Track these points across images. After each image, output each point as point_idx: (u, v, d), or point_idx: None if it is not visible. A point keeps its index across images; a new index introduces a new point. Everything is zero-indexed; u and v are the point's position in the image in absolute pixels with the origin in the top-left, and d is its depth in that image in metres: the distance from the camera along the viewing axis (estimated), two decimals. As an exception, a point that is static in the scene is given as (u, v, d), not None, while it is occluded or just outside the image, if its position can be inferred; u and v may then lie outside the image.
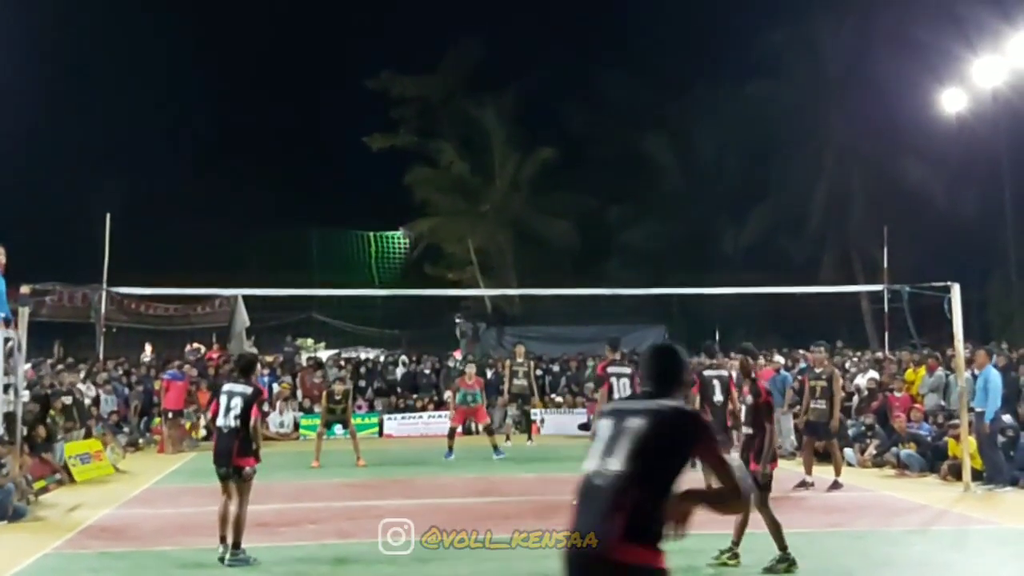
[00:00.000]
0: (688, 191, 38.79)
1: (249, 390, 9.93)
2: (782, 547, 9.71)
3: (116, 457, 18.85)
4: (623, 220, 38.86)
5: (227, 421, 9.81)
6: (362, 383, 27.18)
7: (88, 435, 18.86)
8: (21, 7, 30.87)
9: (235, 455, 9.75)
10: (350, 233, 46.55)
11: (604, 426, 4.56)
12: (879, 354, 25.00)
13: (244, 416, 9.76)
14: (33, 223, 33.99)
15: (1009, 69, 27.04)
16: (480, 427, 21.51)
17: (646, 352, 5.04)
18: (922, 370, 19.84)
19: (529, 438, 22.17)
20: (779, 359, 21.84)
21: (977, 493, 14.27)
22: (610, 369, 13.76)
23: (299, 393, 26.26)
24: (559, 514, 11.90)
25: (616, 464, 4.26)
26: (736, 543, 9.88)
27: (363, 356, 32.17)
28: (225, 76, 44.34)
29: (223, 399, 9.95)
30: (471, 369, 21.42)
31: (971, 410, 14.98)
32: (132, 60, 41.98)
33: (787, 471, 18.06)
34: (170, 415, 22.03)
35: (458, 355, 30.91)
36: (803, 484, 14.62)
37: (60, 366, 23.34)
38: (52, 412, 17.52)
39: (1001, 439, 15.10)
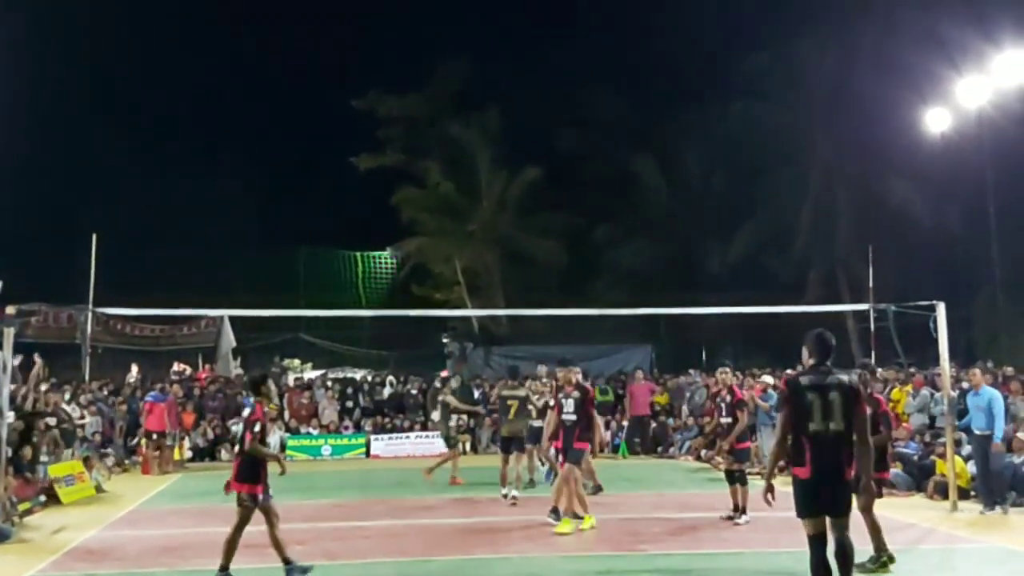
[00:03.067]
0: (675, 210, 38.86)
1: (247, 413, 10.07)
2: (880, 547, 10.47)
3: (102, 478, 18.79)
4: (610, 239, 38.88)
5: (238, 447, 10.14)
6: (349, 403, 27.21)
7: (72, 456, 18.79)
8: (3, 26, 30.84)
9: (233, 479, 10.00)
10: (337, 253, 46.49)
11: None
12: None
13: (241, 440, 9.87)
14: (19, 243, 33.89)
15: (993, 89, 27.22)
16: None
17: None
18: (908, 388, 19.91)
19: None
20: (767, 379, 21.87)
21: (986, 514, 14.23)
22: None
23: (286, 414, 26.24)
24: (546, 533, 11.90)
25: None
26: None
27: (350, 376, 32.12)
28: (213, 95, 44.41)
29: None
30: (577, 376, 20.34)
31: (966, 431, 15.02)
32: (119, 79, 42.08)
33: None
34: (154, 436, 21.98)
35: (445, 375, 30.86)
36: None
37: (44, 386, 23.24)
38: (35, 433, 17.45)
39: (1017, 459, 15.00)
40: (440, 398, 20.41)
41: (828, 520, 7.90)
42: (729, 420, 14.06)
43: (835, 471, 7.81)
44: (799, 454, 7.87)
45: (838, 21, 34.70)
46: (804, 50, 35.02)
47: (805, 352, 8.33)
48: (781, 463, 8.41)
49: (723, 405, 14.32)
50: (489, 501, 16.31)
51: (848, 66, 34.27)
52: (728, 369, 14.70)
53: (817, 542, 7.89)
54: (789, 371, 23.39)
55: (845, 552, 7.88)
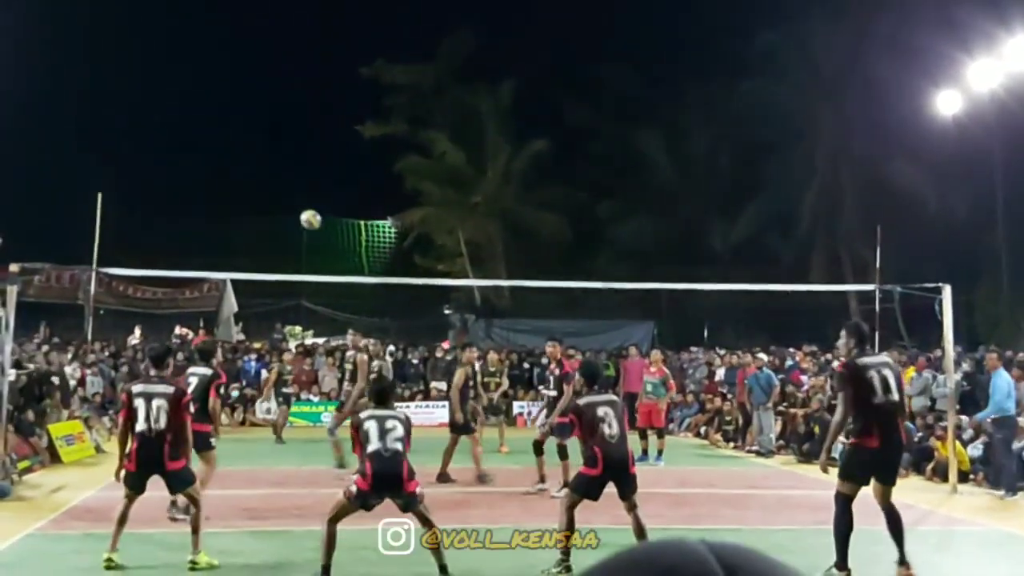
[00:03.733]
0: (679, 188, 38.79)
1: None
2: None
3: (102, 439, 18.83)
4: (614, 215, 38.82)
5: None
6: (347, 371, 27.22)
7: (70, 416, 18.83)
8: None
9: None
10: (340, 222, 46.41)
11: None
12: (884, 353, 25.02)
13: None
14: (24, 202, 33.84)
15: (1005, 73, 27.02)
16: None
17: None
18: (910, 371, 19.88)
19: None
20: (763, 356, 21.83)
21: (1003, 497, 14.21)
22: None
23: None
24: (543, 505, 11.88)
25: None
26: None
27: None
28: (218, 60, 44.19)
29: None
30: (657, 355, 19.60)
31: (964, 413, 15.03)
32: (124, 42, 41.83)
33: (771, 468, 18.12)
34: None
35: (446, 346, 30.94)
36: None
37: (46, 346, 23.30)
38: (48, 401, 17.53)
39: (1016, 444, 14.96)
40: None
41: (877, 489, 9.02)
42: (555, 393, 14.05)
43: (899, 439, 9.24)
44: (866, 426, 8.91)
45: (850, 0, 34.51)
46: (814, 29, 34.85)
47: (846, 339, 9.46)
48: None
49: (551, 378, 14.36)
50: (486, 470, 16.31)
51: (858, 46, 34.10)
52: (556, 343, 14.71)
53: (847, 501, 9.05)
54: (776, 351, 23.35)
55: (899, 519, 9.03)
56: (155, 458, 9.22)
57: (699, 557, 1.04)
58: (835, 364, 20.03)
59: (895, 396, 8.98)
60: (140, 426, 9.21)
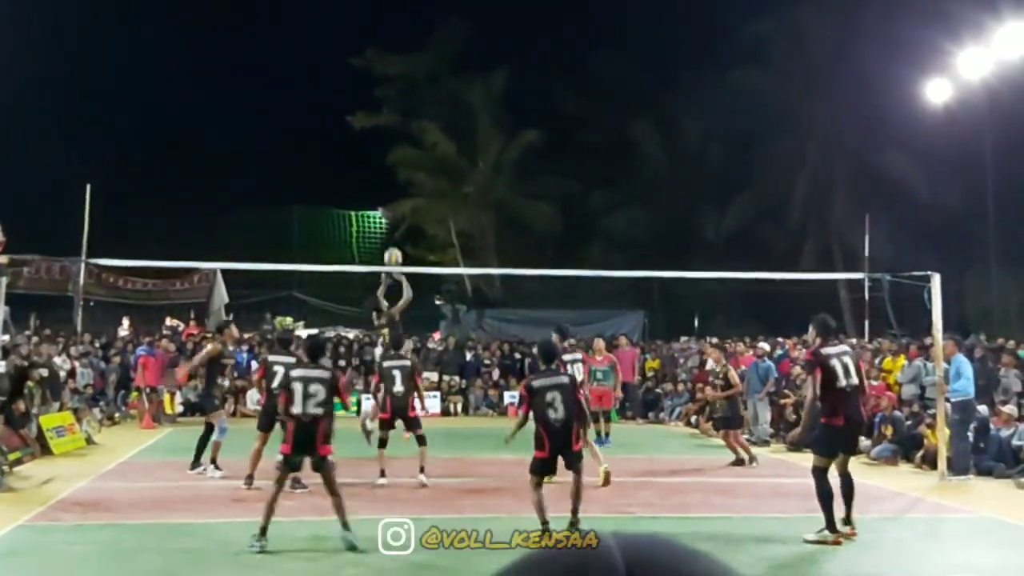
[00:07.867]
0: (671, 178, 38.77)
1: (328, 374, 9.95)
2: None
3: (92, 430, 18.80)
4: (606, 205, 38.81)
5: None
6: (341, 362, 27.22)
7: (61, 408, 18.80)
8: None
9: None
10: (331, 212, 46.38)
11: None
12: (852, 341, 25.09)
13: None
14: (12, 193, 33.73)
15: (995, 61, 27.00)
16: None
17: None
18: (901, 359, 19.95)
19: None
20: (764, 346, 21.87)
21: (953, 482, 14.33)
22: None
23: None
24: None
25: None
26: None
27: (342, 335, 32.10)
28: (208, 50, 44.08)
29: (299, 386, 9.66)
30: (600, 344, 20.04)
31: (948, 400, 15.09)
32: (112, 33, 41.72)
33: (761, 456, 18.16)
34: (147, 390, 22.06)
35: (438, 336, 30.94)
36: None
37: (36, 338, 23.26)
38: (30, 384, 17.43)
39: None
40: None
41: (841, 458, 10.12)
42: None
43: (861, 417, 10.47)
44: (833, 408, 10.02)
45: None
46: (805, 18, 34.83)
47: (812, 332, 10.68)
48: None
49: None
50: (480, 461, 16.34)
51: (848, 36, 34.06)
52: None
53: (824, 473, 10.02)
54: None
55: (852, 484, 10.13)
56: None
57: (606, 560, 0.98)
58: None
59: (853, 379, 10.07)
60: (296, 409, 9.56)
